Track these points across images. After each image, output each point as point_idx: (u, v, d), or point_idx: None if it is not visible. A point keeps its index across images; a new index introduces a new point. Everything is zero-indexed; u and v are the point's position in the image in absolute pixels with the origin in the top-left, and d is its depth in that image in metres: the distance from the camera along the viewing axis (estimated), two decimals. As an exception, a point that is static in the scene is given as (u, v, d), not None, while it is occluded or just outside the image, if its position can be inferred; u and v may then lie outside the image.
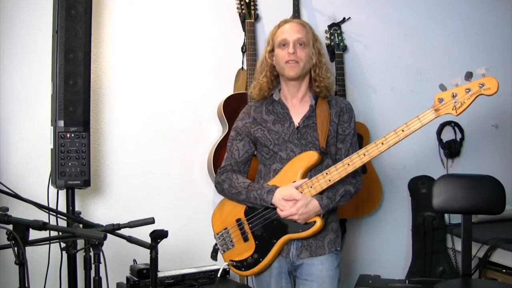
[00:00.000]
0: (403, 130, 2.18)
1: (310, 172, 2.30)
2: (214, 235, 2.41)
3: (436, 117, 2.17)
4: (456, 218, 3.35)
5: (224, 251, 2.39)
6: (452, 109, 2.16)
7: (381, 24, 3.54)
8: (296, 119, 2.34)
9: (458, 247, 3.17)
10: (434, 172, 3.42)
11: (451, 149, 3.66)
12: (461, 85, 2.14)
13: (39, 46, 2.67)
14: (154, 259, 1.98)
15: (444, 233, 3.48)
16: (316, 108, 2.34)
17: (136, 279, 2.55)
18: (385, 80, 3.56)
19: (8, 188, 2.05)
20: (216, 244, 2.41)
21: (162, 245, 2.00)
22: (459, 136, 3.71)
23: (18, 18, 2.69)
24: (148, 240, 1.99)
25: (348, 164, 2.22)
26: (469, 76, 2.13)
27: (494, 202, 2.83)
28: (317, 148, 2.30)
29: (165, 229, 2.00)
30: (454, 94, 2.14)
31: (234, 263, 2.35)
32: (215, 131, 3.05)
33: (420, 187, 3.50)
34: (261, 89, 2.38)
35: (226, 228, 2.38)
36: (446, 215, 3.51)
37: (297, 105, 2.37)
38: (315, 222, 2.24)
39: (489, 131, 3.83)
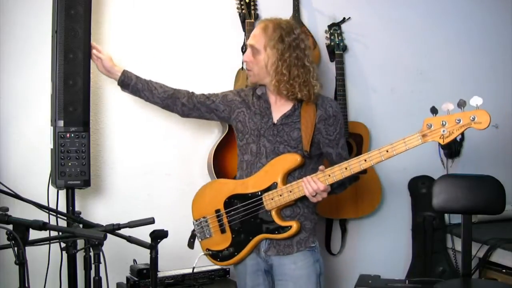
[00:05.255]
0: (387, 151, 2.15)
1: (293, 173, 2.29)
2: (193, 222, 2.47)
3: (422, 143, 2.14)
4: (456, 218, 3.35)
5: (201, 239, 2.45)
6: (440, 138, 2.13)
7: (381, 24, 3.53)
8: (276, 116, 2.34)
9: (458, 247, 3.17)
10: (434, 172, 3.41)
11: (451, 149, 3.65)
12: (452, 114, 2.08)
13: (38, 46, 2.67)
14: (154, 259, 1.99)
15: (444, 233, 3.48)
16: (301, 108, 2.31)
17: (136, 279, 2.55)
18: (385, 81, 3.56)
19: (8, 188, 2.05)
20: (194, 230, 2.46)
21: (162, 245, 2.01)
22: (459, 136, 3.69)
23: (18, 18, 2.68)
24: (148, 240, 1.99)
25: (329, 175, 2.19)
26: (462, 104, 2.05)
27: (494, 202, 2.84)
28: (291, 148, 2.29)
29: (165, 229, 2.00)
30: (444, 123, 2.09)
31: (211, 252, 2.41)
32: (215, 131, 3.05)
33: (420, 187, 3.50)
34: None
35: (205, 217, 2.43)
36: (446, 215, 3.50)
37: (280, 103, 2.36)
38: (291, 226, 2.26)
39: (489, 131, 3.80)
